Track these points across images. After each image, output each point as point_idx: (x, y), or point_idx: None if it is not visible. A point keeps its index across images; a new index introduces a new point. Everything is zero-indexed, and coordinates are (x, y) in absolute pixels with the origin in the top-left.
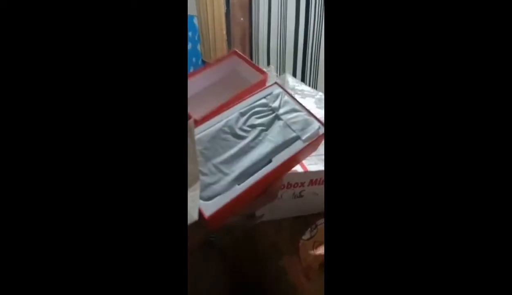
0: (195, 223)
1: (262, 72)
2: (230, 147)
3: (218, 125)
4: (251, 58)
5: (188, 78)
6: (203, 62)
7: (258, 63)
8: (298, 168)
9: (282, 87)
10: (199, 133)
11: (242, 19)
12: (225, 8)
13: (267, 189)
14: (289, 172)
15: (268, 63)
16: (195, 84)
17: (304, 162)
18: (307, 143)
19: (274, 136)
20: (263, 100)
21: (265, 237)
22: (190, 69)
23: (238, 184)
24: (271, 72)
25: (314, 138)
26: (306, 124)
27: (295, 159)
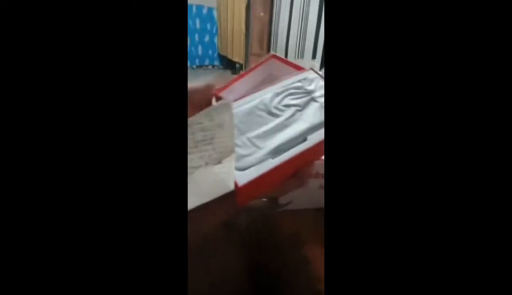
0: (224, 197)
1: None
2: (265, 123)
3: (254, 102)
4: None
5: (227, 86)
6: (219, 55)
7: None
8: None
9: (317, 73)
10: (235, 108)
11: (262, 14)
12: (246, 2)
13: (297, 172)
14: (321, 161)
15: (286, 57)
16: (234, 92)
17: None
18: None
19: (309, 117)
20: (298, 84)
21: (285, 227)
22: (206, 61)
23: (272, 158)
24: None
25: None
26: None
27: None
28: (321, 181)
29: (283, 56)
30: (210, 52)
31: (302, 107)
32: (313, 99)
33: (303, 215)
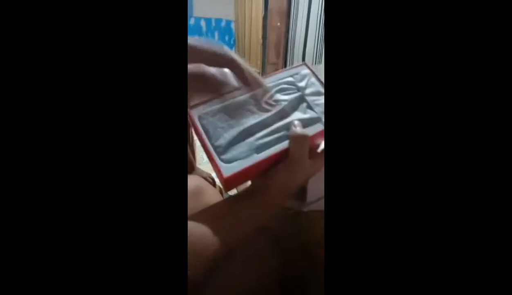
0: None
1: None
2: (254, 118)
3: (245, 96)
4: (285, 62)
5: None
6: None
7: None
8: None
9: (310, 69)
10: (229, 100)
11: (279, 24)
12: (263, 13)
13: (290, 134)
14: None
15: None
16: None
17: None
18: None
19: (296, 114)
20: (290, 79)
21: (314, 227)
22: None
23: (257, 153)
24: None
25: None
26: None
27: (314, 139)
28: None
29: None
30: None
31: (291, 104)
32: (302, 97)
33: None
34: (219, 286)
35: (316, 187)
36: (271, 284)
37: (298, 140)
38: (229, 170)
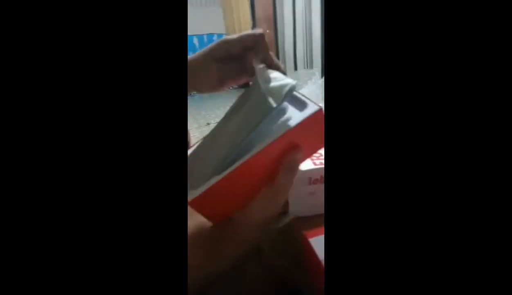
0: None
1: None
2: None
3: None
4: None
5: None
6: None
7: (285, 69)
8: None
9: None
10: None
11: (268, 31)
12: (251, 23)
13: (283, 161)
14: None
15: (296, 69)
16: None
17: None
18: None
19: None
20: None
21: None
22: None
23: (217, 174)
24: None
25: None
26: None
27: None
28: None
29: (292, 69)
30: None
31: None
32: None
33: (315, 220)
34: None
35: (294, 193)
36: None
37: (292, 171)
38: (192, 195)
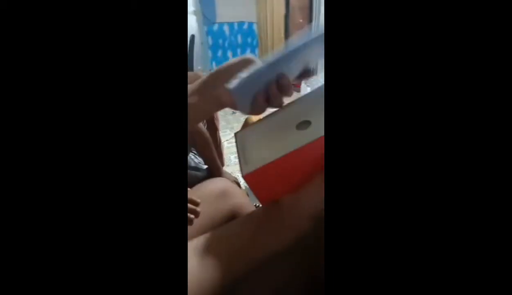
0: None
1: None
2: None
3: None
4: None
5: None
6: None
7: None
8: None
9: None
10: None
11: (301, 20)
12: (285, 11)
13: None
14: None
15: None
16: None
17: None
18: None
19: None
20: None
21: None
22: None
23: (278, 153)
24: None
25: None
26: None
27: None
28: None
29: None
30: None
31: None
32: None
33: None
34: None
35: None
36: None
37: None
38: (249, 168)
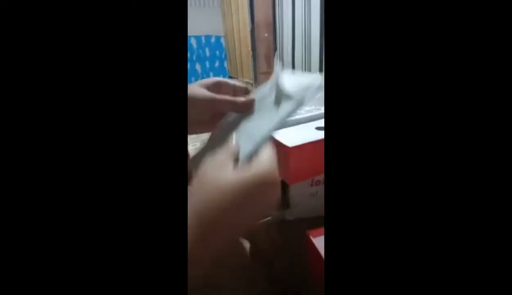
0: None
1: None
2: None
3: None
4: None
5: None
6: (230, 77)
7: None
8: None
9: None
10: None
11: (266, 34)
12: (250, 26)
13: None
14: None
15: None
16: None
17: None
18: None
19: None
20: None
21: (300, 236)
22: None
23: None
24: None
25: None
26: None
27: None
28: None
29: (290, 72)
30: (221, 76)
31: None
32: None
33: (317, 222)
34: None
35: (297, 193)
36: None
37: None
38: (293, 141)
